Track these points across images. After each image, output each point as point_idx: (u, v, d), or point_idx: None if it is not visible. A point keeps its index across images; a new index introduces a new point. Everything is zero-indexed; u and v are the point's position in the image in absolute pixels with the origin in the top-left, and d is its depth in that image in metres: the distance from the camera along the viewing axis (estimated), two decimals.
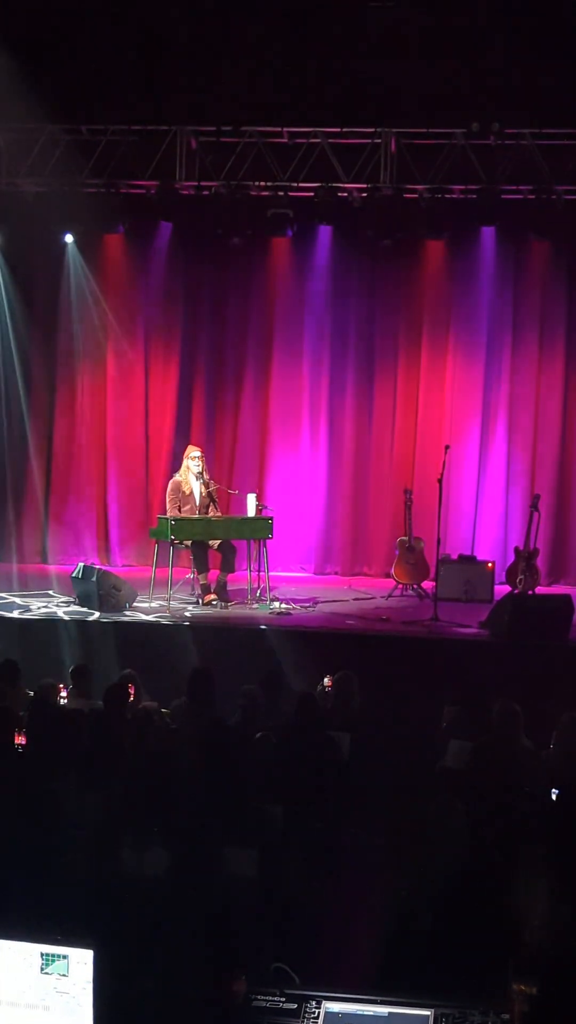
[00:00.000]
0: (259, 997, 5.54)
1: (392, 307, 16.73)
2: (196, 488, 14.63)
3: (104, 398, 17.25)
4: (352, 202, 15.55)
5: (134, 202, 15.85)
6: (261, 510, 14.73)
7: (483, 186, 15.01)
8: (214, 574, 14.63)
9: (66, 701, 10.75)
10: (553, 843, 6.80)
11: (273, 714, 10.58)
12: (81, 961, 5.30)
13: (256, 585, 14.54)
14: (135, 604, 14.06)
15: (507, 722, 9.62)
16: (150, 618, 13.60)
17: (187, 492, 14.61)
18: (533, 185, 14.97)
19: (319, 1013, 5.33)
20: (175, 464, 15.59)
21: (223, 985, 5.59)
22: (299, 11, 14.63)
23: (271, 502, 15.79)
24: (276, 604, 14.28)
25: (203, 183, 15.58)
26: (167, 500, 14.75)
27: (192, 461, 14.71)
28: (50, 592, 15.04)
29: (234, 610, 14.21)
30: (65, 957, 5.31)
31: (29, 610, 14.03)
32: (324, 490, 17.15)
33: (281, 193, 15.40)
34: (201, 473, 14.65)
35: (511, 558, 15.60)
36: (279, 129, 15.34)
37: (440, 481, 14.05)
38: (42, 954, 5.33)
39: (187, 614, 13.90)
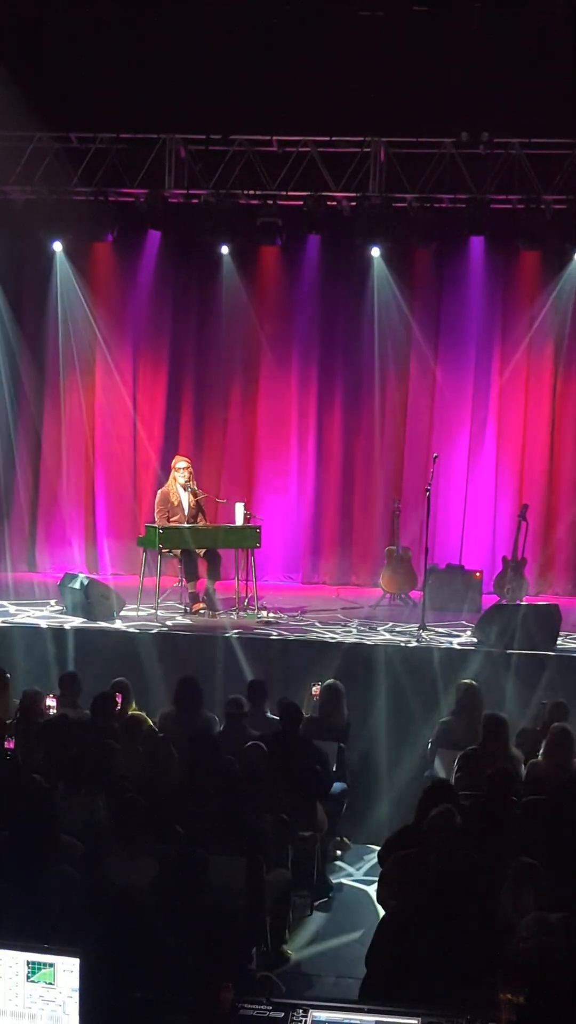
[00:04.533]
0: (246, 1006, 5.53)
1: (381, 316, 16.71)
2: (184, 498, 14.62)
3: (92, 407, 17.20)
4: (341, 211, 15.55)
5: (123, 210, 15.82)
6: (249, 519, 14.71)
7: (472, 195, 15.02)
8: (202, 583, 14.61)
9: (55, 709, 10.72)
10: (540, 852, 6.80)
11: (259, 723, 10.58)
12: (67, 969, 5.29)
13: (244, 594, 14.52)
14: (123, 613, 14.03)
15: (495, 731, 9.63)
16: (138, 627, 13.57)
17: (175, 503, 14.60)
18: (522, 195, 14.98)
19: (306, 1021, 5.32)
20: (163, 473, 15.57)
21: (210, 993, 5.58)
22: (288, 20, 14.62)
23: (259, 511, 15.78)
24: (264, 613, 14.28)
25: (192, 191, 15.56)
26: (155, 510, 14.73)
27: (178, 472, 14.69)
28: (37, 600, 15.02)
29: (222, 619, 14.19)
30: (51, 966, 5.30)
31: (17, 618, 14.00)
32: (312, 499, 17.14)
33: (270, 202, 15.40)
34: (188, 483, 14.64)
35: (499, 567, 15.59)
36: (268, 138, 15.33)
37: (428, 490, 14.04)
38: (28, 962, 5.32)
39: (175, 623, 13.88)
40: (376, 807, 11.49)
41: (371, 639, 13.21)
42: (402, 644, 12.92)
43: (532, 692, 11.93)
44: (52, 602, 14.76)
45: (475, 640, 13.15)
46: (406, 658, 12.57)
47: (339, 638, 13.22)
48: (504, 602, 14.34)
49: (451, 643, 13.13)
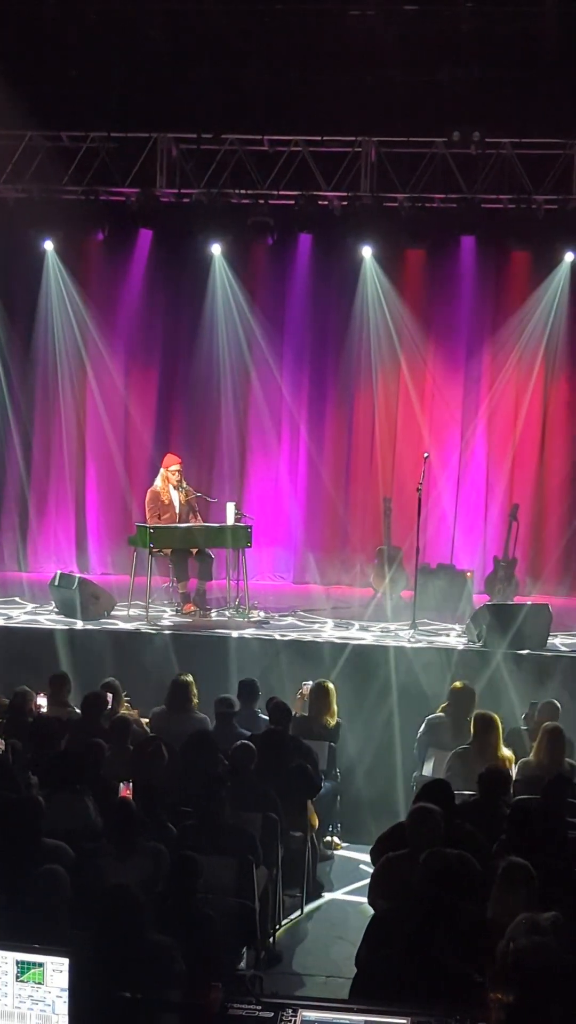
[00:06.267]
0: (235, 1005, 5.52)
1: (372, 315, 16.70)
2: (175, 497, 14.60)
3: (83, 405, 17.20)
4: (332, 210, 15.55)
5: (114, 209, 15.80)
6: (240, 519, 14.69)
7: (463, 195, 15.03)
8: (193, 582, 14.59)
9: (45, 709, 10.71)
10: (530, 852, 6.79)
11: (250, 722, 10.57)
12: (57, 969, 5.27)
13: (235, 593, 14.50)
14: (113, 612, 14.02)
15: (485, 731, 9.63)
16: (128, 626, 13.56)
17: (166, 502, 14.57)
18: (513, 194, 14.99)
19: (295, 1021, 5.31)
20: (154, 471, 15.55)
21: (199, 993, 5.57)
22: (279, 19, 14.60)
23: (250, 511, 15.76)
24: (255, 612, 14.26)
25: (183, 190, 15.55)
26: (146, 509, 14.70)
27: (171, 472, 14.65)
28: (22, 600, 15.01)
29: (213, 618, 14.18)
30: (40, 965, 5.29)
31: (8, 618, 13.98)
32: (303, 498, 17.14)
33: (261, 201, 15.40)
34: (180, 483, 14.62)
35: (490, 567, 15.62)
36: (260, 137, 15.32)
37: (419, 490, 14.03)
38: (18, 962, 5.31)
39: (166, 622, 13.87)
40: (369, 807, 11.47)
41: (363, 639, 13.21)
42: (393, 644, 12.91)
43: (523, 691, 11.92)
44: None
45: (466, 640, 13.16)
46: (397, 657, 12.56)
47: (331, 638, 13.21)
48: (495, 602, 14.34)
49: (442, 642, 13.14)
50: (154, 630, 13.37)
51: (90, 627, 13.47)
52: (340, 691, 11.47)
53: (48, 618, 13.94)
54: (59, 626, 13.46)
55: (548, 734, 9.49)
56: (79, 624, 13.52)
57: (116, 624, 13.67)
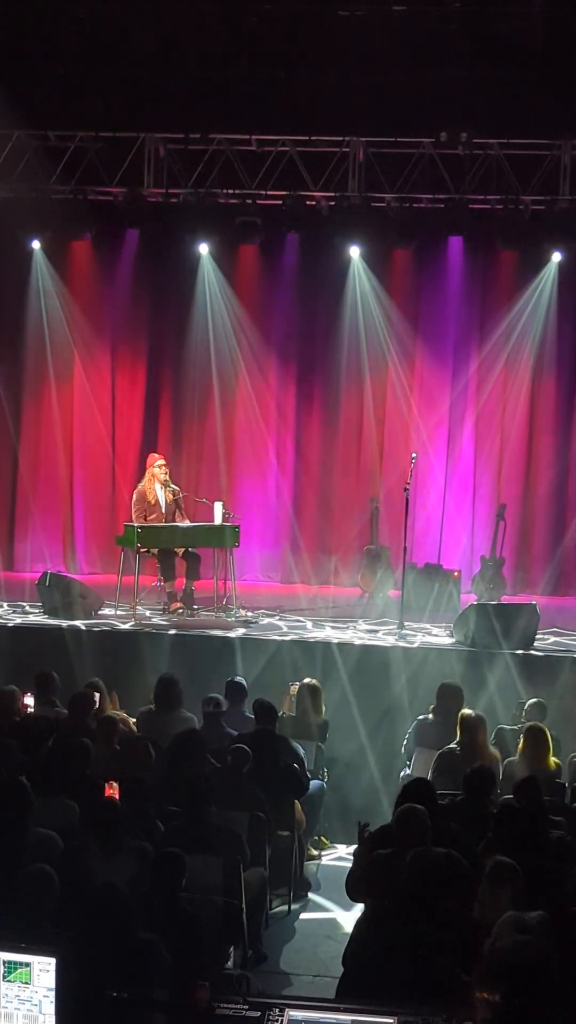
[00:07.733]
0: (223, 1005, 5.53)
1: (360, 315, 16.70)
2: (161, 496, 14.59)
3: (71, 405, 17.17)
4: (320, 210, 15.55)
5: (101, 209, 15.80)
6: (228, 518, 14.69)
7: (451, 195, 15.06)
8: (180, 582, 14.59)
9: (33, 708, 10.69)
10: (517, 851, 6.81)
11: (237, 722, 10.58)
12: (44, 969, 5.28)
13: (222, 593, 14.50)
14: (101, 612, 14.01)
15: (472, 730, 9.64)
16: (116, 626, 13.55)
17: (152, 501, 14.57)
18: (500, 195, 15.02)
19: (283, 1021, 5.32)
20: (142, 472, 15.55)
21: (187, 993, 5.57)
22: (268, 19, 14.61)
23: (238, 510, 15.76)
24: (242, 612, 14.26)
25: (171, 190, 15.56)
26: (133, 509, 14.70)
27: (158, 469, 14.66)
28: (6, 600, 14.98)
29: (200, 618, 14.17)
30: (27, 965, 5.29)
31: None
32: (291, 498, 17.13)
33: (249, 201, 15.41)
34: (167, 482, 14.62)
35: (477, 567, 15.63)
36: (247, 137, 15.34)
37: (407, 490, 14.03)
38: (4, 962, 5.31)
39: (153, 622, 13.86)
40: (359, 806, 11.47)
41: (351, 638, 13.21)
42: (382, 643, 12.92)
43: (513, 690, 11.94)
44: (29, 601, 14.71)
45: (454, 639, 13.17)
46: (386, 657, 12.57)
47: (319, 637, 13.21)
48: (482, 601, 14.36)
49: (430, 642, 13.14)
50: (140, 630, 13.35)
51: (77, 626, 13.43)
52: (342, 691, 11.47)
53: (34, 617, 13.91)
54: (46, 626, 13.43)
55: (532, 734, 9.51)
56: (66, 624, 13.47)
57: (103, 624, 13.64)
